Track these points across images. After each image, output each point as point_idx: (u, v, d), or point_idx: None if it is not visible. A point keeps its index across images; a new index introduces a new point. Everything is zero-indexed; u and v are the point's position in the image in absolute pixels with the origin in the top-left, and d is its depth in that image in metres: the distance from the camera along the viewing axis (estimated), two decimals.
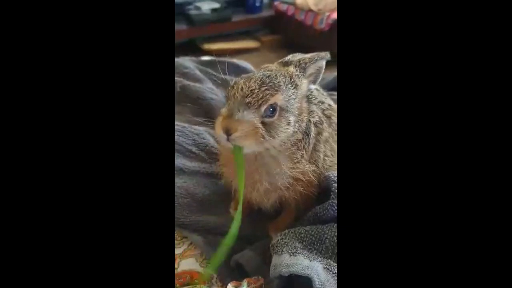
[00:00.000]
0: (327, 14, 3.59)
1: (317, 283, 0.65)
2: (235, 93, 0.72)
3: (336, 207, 0.78)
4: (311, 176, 0.82)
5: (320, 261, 0.70)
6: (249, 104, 0.71)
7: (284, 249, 0.71)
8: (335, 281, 0.67)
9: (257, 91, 0.71)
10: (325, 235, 0.75)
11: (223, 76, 1.39)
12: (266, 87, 0.72)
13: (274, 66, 0.82)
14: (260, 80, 0.72)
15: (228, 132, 0.70)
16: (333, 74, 1.47)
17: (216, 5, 4.03)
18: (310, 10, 3.73)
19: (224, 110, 0.73)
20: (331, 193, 0.79)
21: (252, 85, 0.71)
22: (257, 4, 4.23)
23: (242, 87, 0.71)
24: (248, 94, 0.71)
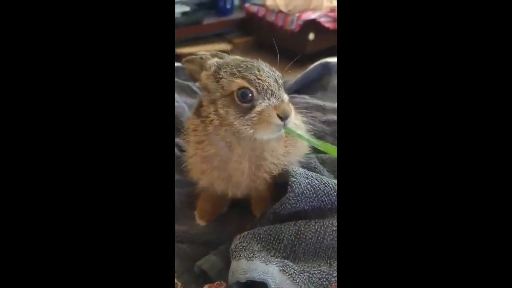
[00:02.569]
0: (297, 15, 3.63)
1: (272, 286, 0.66)
2: (270, 83, 0.72)
3: (293, 201, 0.79)
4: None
5: (276, 263, 0.71)
6: (281, 86, 0.74)
7: (241, 254, 0.72)
8: (291, 282, 0.68)
9: (274, 73, 0.75)
10: (283, 234, 0.77)
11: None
12: (272, 68, 0.77)
13: (231, 57, 0.83)
14: (262, 65, 0.75)
15: (287, 117, 0.71)
16: (295, 77, 1.50)
17: (186, 8, 4.00)
18: (281, 12, 3.77)
19: (267, 103, 0.71)
20: (288, 187, 0.80)
21: (266, 69, 0.74)
22: (228, 6, 4.23)
23: (266, 75, 0.72)
24: (276, 78, 0.74)
